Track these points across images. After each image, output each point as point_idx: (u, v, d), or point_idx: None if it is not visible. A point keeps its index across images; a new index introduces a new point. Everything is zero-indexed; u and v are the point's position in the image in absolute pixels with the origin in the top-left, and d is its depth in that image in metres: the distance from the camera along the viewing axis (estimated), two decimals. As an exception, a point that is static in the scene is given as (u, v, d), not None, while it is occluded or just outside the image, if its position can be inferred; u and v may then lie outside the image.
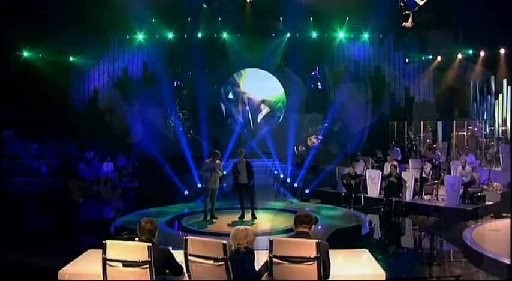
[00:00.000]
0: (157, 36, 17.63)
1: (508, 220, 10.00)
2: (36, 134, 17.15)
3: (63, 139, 17.18)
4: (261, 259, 4.55)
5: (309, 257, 4.29)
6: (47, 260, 7.57)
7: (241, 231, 4.72)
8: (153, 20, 16.93)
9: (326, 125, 18.65)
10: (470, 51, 16.58)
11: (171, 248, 4.83)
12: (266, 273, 4.55)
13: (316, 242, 4.27)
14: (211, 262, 4.52)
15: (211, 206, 10.92)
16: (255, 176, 11.07)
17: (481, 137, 15.12)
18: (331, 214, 11.82)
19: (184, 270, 4.79)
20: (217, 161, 10.86)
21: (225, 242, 4.46)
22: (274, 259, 4.38)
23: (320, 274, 4.28)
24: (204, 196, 11.09)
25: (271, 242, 4.39)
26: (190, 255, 4.68)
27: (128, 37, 17.59)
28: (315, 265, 4.28)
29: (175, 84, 18.70)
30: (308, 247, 4.29)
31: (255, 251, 4.69)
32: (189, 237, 4.76)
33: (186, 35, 17.67)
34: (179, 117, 18.44)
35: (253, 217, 10.88)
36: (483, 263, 7.55)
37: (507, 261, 7.00)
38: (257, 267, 4.63)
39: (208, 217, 10.83)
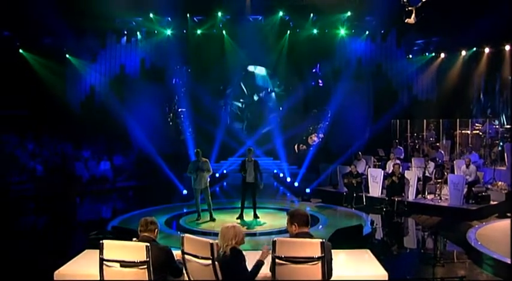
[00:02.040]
0: (156, 32, 17.62)
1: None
2: (33, 133, 17.15)
3: (60, 138, 17.18)
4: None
5: (313, 257, 4.27)
6: (43, 260, 7.57)
7: (229, 229, 4.55)
8: (151, 16, 16.91)
9: (327, 123, 18.66)
10: (475, 48, 16.57)
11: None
12: (269, 274, 4.53)
13: (321, 242, 4.25)
14: (202, 261, 4.53)
15: (208, 206, 10.82)
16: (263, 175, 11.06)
17: (491, 136, 15.10)
18: (332, 213, 11.82)
19: (184, 271, 4.80)
20: (203, 160, 10.75)
21: (212, 242, 4.43)
22: (277, 260, 4.36)
23: (324, 274, 4.26)
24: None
25: (274, 242, 4.36)
26: (186, 253, 4.69)
27: (125, 32, 17.58)
28: (319, 264, 4.26)
29: (173, 82, 18.70)
30: (312, 247, 4.27)
31: (257, 252, 4.67)
32: (185, 235, 4.76)
33: (185, 31, 17.66)
34: (177, 116, 18.45)
35: (256, 216, 10.86)
36: (487, 264, 7.55)
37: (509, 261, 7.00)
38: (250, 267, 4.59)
39: (206, 218, 10.81)
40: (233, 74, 19.04)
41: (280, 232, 9.48)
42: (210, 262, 4.42)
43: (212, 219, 10.75)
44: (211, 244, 4.40)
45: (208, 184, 10.81)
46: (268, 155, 18.07)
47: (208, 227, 10.23)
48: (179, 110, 18.64)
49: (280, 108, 19.14)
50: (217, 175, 16.45)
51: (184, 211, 11.96)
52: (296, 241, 4.42)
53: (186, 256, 4.66)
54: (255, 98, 19.32)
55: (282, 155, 17.90)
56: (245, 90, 19.17)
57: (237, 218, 10.81)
